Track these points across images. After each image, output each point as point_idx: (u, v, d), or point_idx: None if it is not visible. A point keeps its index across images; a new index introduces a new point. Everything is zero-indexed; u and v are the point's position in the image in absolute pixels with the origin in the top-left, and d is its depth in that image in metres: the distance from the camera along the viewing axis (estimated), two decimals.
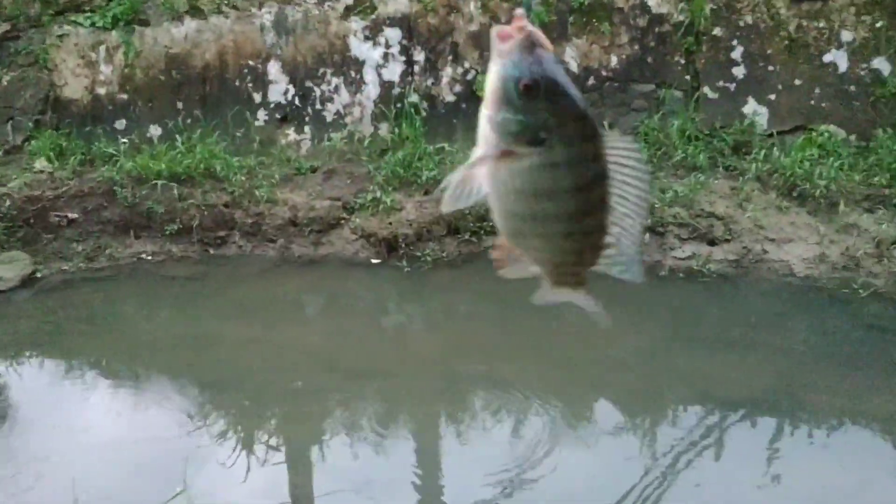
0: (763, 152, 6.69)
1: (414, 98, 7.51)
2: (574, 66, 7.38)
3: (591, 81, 7.39)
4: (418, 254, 6.63)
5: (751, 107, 7.08)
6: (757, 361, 5.10)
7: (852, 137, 6.85)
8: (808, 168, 6.40)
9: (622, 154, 0.88)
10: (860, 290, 5.75)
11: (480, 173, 0.84)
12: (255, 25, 7.67)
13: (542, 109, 0.79)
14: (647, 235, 6.43)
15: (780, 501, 3.83)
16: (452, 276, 6.43)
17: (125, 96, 7.77)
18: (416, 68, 7.60)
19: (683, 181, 6.66)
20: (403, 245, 6.66)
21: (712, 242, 6.41)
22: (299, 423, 4.58)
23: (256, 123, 7.71)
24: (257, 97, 7.74)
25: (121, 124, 7.76)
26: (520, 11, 0.81)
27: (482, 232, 6.68)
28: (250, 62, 7.71)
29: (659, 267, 6.36)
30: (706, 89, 7.17)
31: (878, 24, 6.72)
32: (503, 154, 0.79)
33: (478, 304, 6.02)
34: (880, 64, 6.79)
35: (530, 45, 0.79)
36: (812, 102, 6.93)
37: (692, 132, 7.01)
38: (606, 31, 7.27)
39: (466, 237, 6.69)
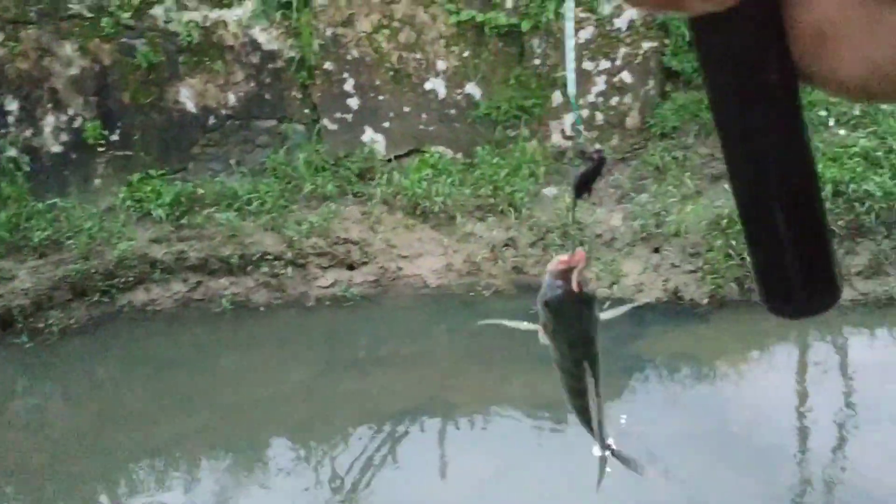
0: (385, 177, 7.13)
1: (11, 152, 6.71)
2: (191, 107, 7.18)
3: (211, 121, 7.25)
4: (41, 325, 5.93)
5: (368, 135, 7.51)
6: (408, 372, 5.43)
7: (459, 155, 7.60)
8: (426, 187, 6.97)
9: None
10: (484, 291, 6.40)
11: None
12: None
13: (550, 319, 1.12)
14: (290, 269, 6.49)
15: (452, 494, 4.14)
16: (86, 343, 5.86)
17: None
18: (11, 119, 6.80)
19: (317, 211, 6.83)
20: (21, 318, 5.90)
21: (351, 267, 6.67)
22: None
23: None
24: None
25: None
26: (580, 252, 1.09)
27: (114, 290, 6.18)
28: None
29: (305, 298, 6.46)
30: (325, 121, 7.44)
31: (465, 54, 7.55)
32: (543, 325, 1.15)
33: (121, 369, 5.56)
34: (472, 89, 7.63)
35: (564, 275, 1.08)
36: (421, 127, 7.56)
37: (318, 163, 7.23)
38: (220, 69, 7.19)
39: (96, 298, 6.14)
